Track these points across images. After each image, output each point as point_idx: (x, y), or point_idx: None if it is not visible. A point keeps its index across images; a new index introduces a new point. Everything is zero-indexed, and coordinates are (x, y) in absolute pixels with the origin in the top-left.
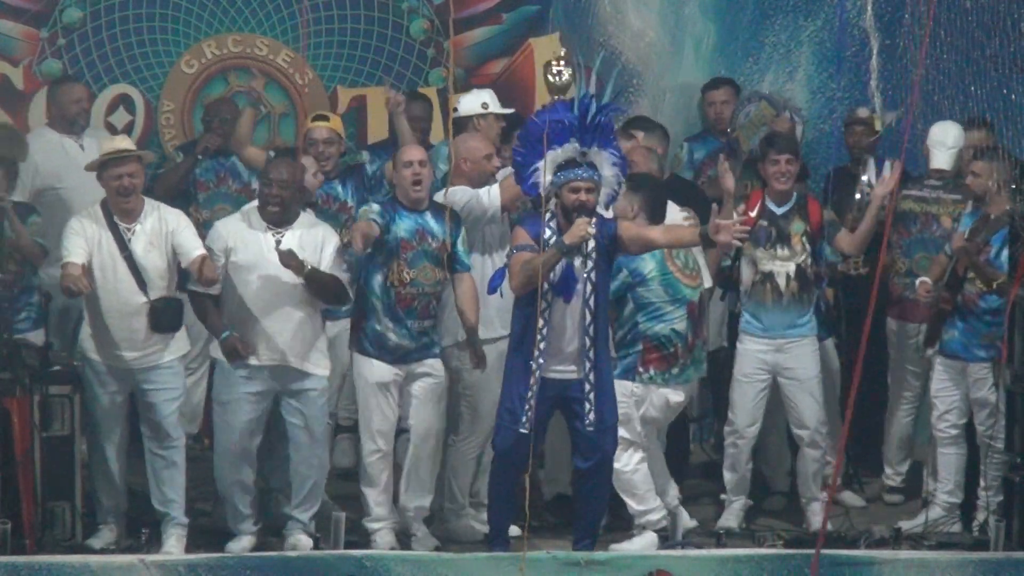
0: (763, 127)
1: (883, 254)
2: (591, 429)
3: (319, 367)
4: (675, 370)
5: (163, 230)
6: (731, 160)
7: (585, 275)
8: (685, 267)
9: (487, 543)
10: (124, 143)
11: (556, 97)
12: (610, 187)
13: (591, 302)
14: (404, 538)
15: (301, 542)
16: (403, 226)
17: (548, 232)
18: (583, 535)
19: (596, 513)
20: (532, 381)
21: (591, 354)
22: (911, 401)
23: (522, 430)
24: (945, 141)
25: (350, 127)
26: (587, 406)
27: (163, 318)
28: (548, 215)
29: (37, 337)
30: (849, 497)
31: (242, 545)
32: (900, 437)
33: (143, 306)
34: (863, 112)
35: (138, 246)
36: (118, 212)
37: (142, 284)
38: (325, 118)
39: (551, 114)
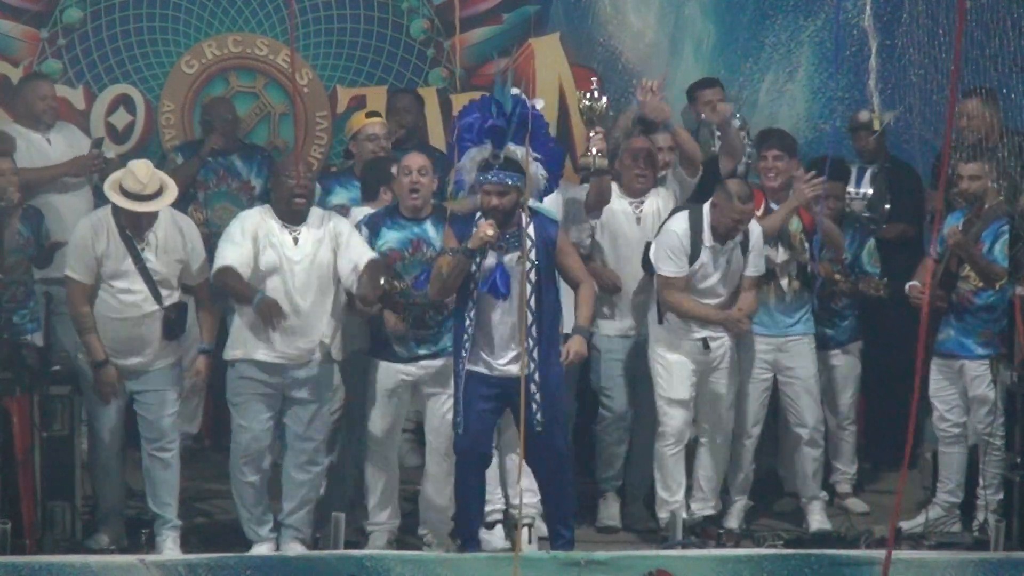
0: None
1: (929, 277)
2: (539, 429)
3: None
4: None
5: (177, 238)
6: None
7: (527, 277)
8: None
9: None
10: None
11: (585, 122)
12: (536, 183)
13: (532, 303)
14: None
15: (295, 551)
16: (394, 236)
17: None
18: (557, 535)
19: (564, 511)
20: (461, 382)
21: (535, 354)
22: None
23: (458, 431)
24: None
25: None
26: (534, 407)
27: (175, 325)
28: (478, 214)
29: (37, 339)
30: (853, 503)
31: (261, 552)
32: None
33: (156, 312)
34: (864, 116)
35: (151, 255)
36: (130, 225)
37: (156, 294)
38: (378, 114)
39: (470, 115)
